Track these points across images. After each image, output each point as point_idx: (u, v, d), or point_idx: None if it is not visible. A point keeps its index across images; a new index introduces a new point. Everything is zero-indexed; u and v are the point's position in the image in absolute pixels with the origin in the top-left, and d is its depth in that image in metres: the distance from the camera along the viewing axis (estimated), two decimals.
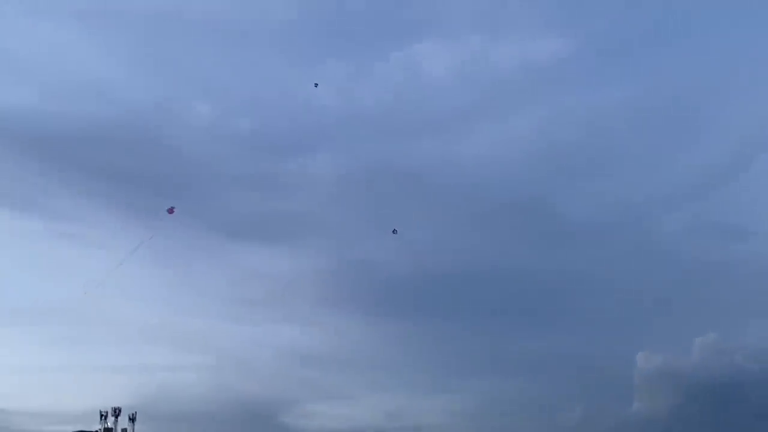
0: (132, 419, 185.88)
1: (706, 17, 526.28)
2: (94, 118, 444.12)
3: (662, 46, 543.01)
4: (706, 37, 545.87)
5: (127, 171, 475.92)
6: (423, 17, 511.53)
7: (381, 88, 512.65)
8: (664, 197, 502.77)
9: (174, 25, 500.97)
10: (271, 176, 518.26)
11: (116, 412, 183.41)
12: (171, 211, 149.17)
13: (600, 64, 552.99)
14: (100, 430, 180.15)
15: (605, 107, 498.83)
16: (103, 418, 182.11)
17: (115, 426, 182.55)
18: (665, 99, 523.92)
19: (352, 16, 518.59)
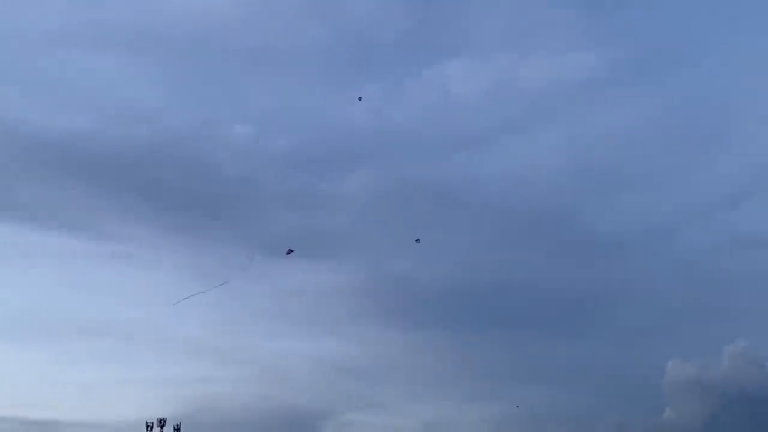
0: (177, 429, 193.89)
1: (729, 34, 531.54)
2: (141, 141, 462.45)
3: (687, 64, 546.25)
4: (729, 54, 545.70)
5: (172, 191, 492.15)
6: (453, 36, 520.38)
7: (412, 106, 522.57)
8: (691, 209, 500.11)
9: (215, 50, 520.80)
10: (309, 194, 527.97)
11: (161, 423, 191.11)
12: (289, 252, 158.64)
13: (626, 82, 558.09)
14: None
15: (631, 124, 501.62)
16: (149, 429, 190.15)
17: None
18: (690, 115, 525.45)
19: (385, 37, 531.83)
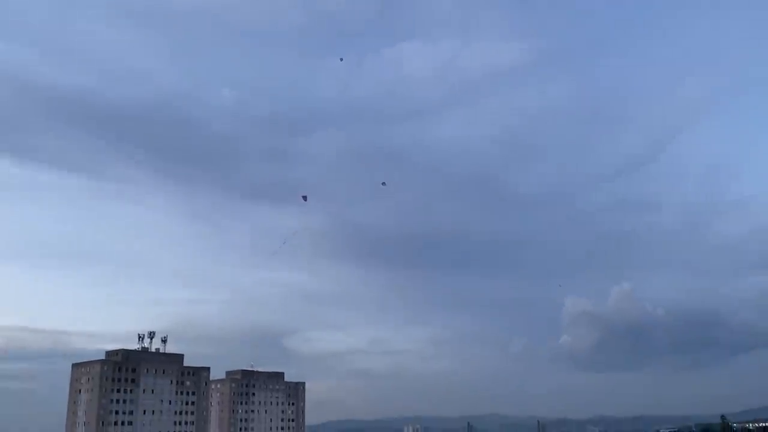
0: (164, 341, 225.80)
1: (634, 30, 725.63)
2: (140, 99, 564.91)
3: (599, 55, 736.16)
4: (633, 47, 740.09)
5: (165, 143, 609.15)
6: (408, 22, 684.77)
7: (372, 80, 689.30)
8: (592, 176, 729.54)
9: (209, 25, 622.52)
10: (283, 150, 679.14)
11: (151, 335, 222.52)
12: (305, 198, 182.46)
13: (549, 68, 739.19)
14: (138, 347, 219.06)
15: (550, 103, 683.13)
16: (140, 339, 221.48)
17: (150, 345, 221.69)
18: (598, 98, 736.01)
19: (351, 20, 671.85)
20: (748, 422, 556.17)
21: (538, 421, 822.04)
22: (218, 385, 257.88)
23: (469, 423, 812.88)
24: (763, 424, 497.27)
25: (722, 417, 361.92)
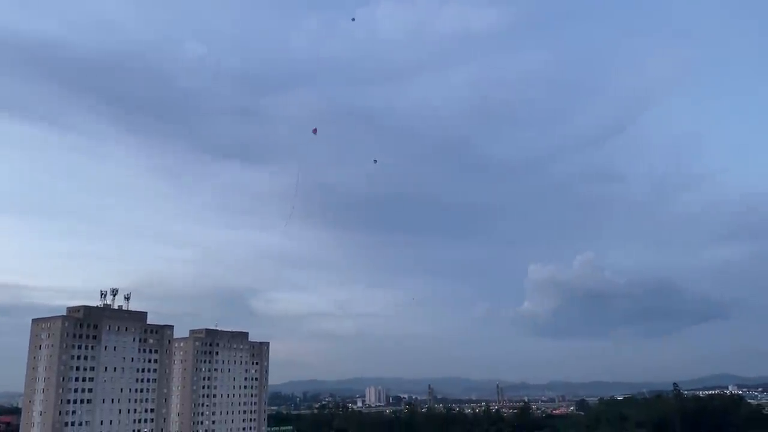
0: (127, 298, 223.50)
1: (610, 2, 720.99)
2: (104, 49, 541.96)
3: (574, 23, 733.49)
4: (608, 15, 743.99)
5: (130, 96, 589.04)
6: None
7: (346, 40, 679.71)
8: (563, 145, 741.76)
9: None
10: (252, 108, 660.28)
11: (114, 292, 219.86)
12: (315, 131, 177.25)
13: (524, 35, 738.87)
14: (100, 305, 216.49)
15: (525, 70, 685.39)
16: (103, 296, 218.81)
17: (113, 302, 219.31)
18: (572, 66, 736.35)
19: None
20: (699, 390, 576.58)
21: (497, 385, 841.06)
22: (181, 344, 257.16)
23: (429, 385, 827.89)
24: (713, 392, 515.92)
25: (674, 385, 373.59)
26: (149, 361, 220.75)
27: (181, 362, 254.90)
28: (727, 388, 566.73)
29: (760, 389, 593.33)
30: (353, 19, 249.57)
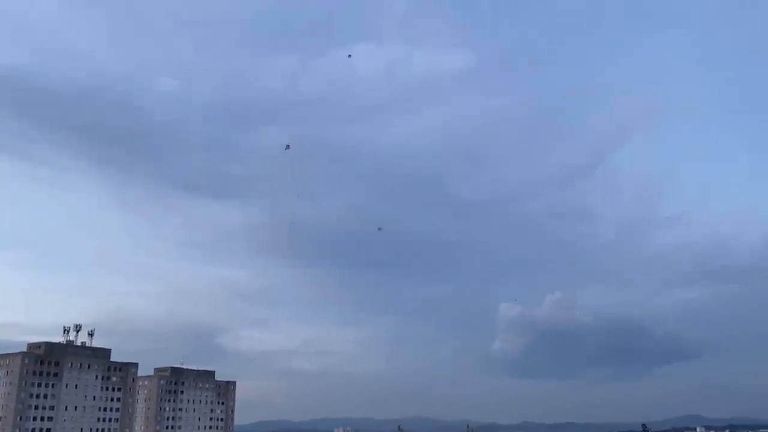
0: (90, 334, 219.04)
1: (579, 43, 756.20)
2: (77, 81, 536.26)
3: (544, 65, 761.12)
4: (575, 60, 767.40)
5: (101, 128, 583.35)
6: (360, 23, 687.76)
7: (321, 79, 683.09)
8: (533, 185, 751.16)
9: (154, 6, 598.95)
10: (224, 143, 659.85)
11: (77, 328, 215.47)
12: (288, 147, 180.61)
13: (494, 76, 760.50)
14: (63, 341, 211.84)
15: (495, 110, 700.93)
16: (66, 331, 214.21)
17: (76, 339, 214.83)
18: (540, 107, 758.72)
19: (303, 17, 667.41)
20: (667, 431, 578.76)
21: (468, 426, 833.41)
22: (146, 382, 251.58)
23: (399, 426, 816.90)
24: None
25: (643, 426, 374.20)
26: (112, 399, 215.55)
27: (145, 401, 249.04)
28: (695, 430, 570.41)
29: (726, 430, 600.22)
30: (349, 56, 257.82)
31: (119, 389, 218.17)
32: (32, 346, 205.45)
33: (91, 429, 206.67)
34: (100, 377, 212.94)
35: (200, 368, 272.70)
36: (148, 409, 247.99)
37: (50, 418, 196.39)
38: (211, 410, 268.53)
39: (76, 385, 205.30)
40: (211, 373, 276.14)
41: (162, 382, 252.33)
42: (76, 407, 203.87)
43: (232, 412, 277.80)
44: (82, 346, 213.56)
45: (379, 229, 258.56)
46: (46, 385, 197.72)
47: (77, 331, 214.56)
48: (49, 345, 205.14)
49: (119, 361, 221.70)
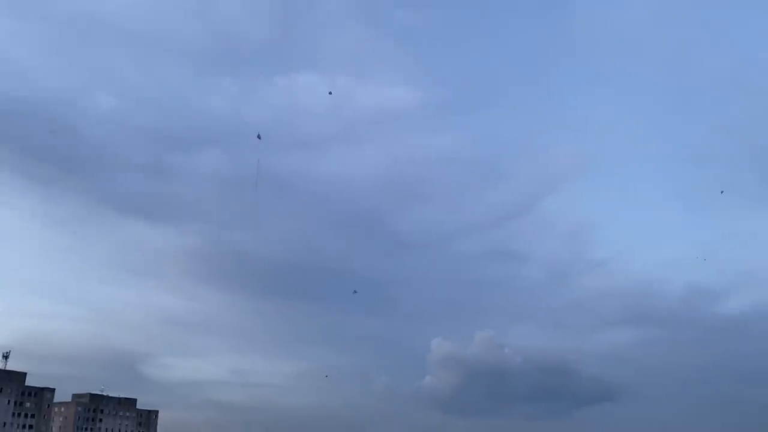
0: (5, 356, 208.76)
1: (518, 91, 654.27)
2: (10, 96, 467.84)
3: (485, 108, 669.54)
4: (514, 106, 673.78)
5: (34, 146, 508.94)
6: (306, 52, 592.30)
7: (264, 106, 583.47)
8: (469, 225, 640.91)
9: (95, 23, 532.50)
10: (160, 165, 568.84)
11: None
12: (259, 137, 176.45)
13: (437, 116, 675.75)
14: None
15: (436, 149, 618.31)
16: None
17: None
18: (480, 148, 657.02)
19: (248, 43, 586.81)
20: None
21: None
22: (62, 409, 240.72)
23: None
24: None
25: None
26: (24, 426, 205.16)
27: (61, 429, 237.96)
28: None
29: None
30: (330, 93, 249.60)
31: (33, 416, 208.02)
32: None
33: None
34: (12, 402, 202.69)
35: (122, 396, 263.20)
36: None
37: None
38: None
39: None
40: (133, 401, 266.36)
41: (80, 409, 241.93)
42: None
43: None
44: None
45: (355, 291, 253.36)
46: None
47: None
48: None
49: (35, 386, 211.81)
